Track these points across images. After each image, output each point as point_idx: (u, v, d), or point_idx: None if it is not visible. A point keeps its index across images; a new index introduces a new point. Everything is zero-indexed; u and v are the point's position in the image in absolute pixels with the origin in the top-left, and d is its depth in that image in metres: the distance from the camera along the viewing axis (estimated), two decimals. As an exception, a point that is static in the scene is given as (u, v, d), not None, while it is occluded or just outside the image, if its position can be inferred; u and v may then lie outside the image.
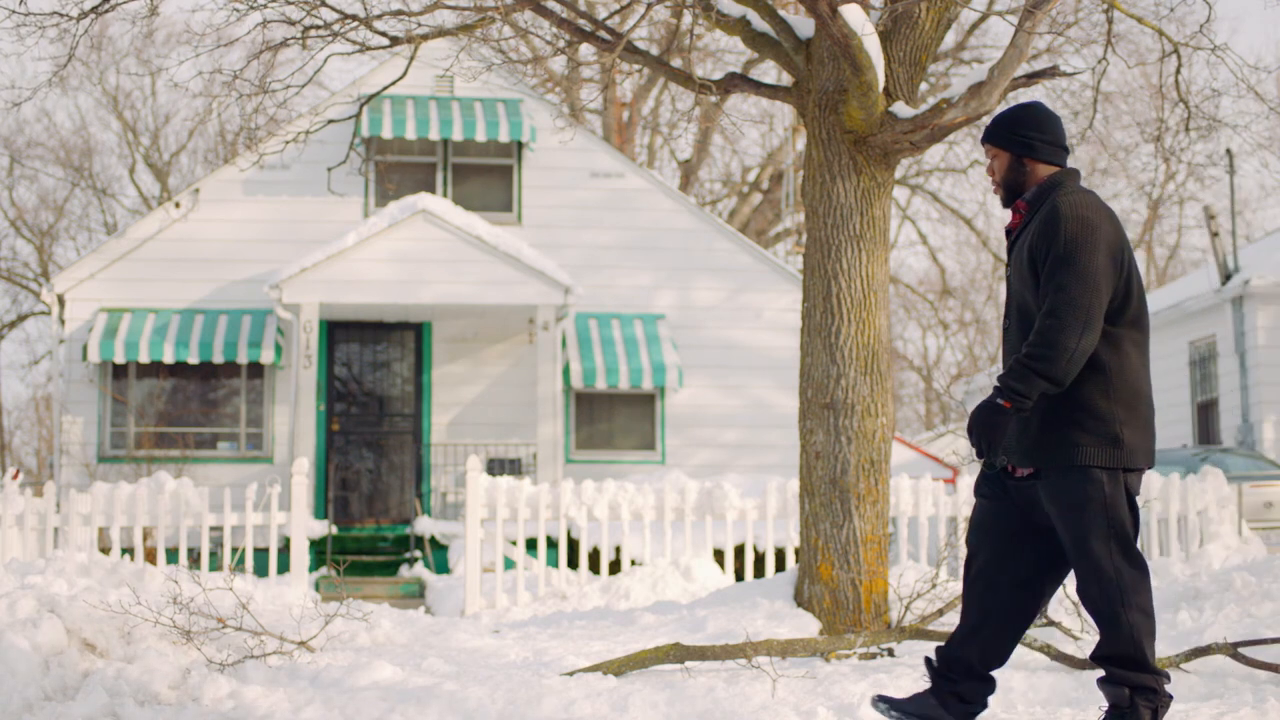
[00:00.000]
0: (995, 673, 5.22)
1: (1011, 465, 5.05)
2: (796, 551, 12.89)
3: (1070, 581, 9.74)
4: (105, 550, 14.65)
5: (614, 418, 20.21)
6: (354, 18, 10.05)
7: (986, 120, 7.53)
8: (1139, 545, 4.97)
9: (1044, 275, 4.86)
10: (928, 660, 5.18)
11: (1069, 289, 4.77)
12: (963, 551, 14.12)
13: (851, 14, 7.92)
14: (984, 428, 4.80)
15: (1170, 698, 4.88)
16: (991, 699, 6.31)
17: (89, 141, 39.59)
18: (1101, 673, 5.03)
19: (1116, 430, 4.84)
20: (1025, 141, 5.09)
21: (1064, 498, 4.88)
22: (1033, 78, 8.69)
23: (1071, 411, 4.85)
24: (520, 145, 20.29)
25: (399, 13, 10.38)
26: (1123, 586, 4.81)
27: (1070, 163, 6.54)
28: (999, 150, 5.14)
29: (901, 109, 8.36)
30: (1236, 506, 13.06)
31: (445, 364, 19.94)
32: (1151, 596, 4.88)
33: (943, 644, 5.19)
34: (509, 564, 14.26)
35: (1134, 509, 4.90)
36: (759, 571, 14.52)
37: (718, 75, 15.82)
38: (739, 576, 13.16)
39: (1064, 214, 4.88)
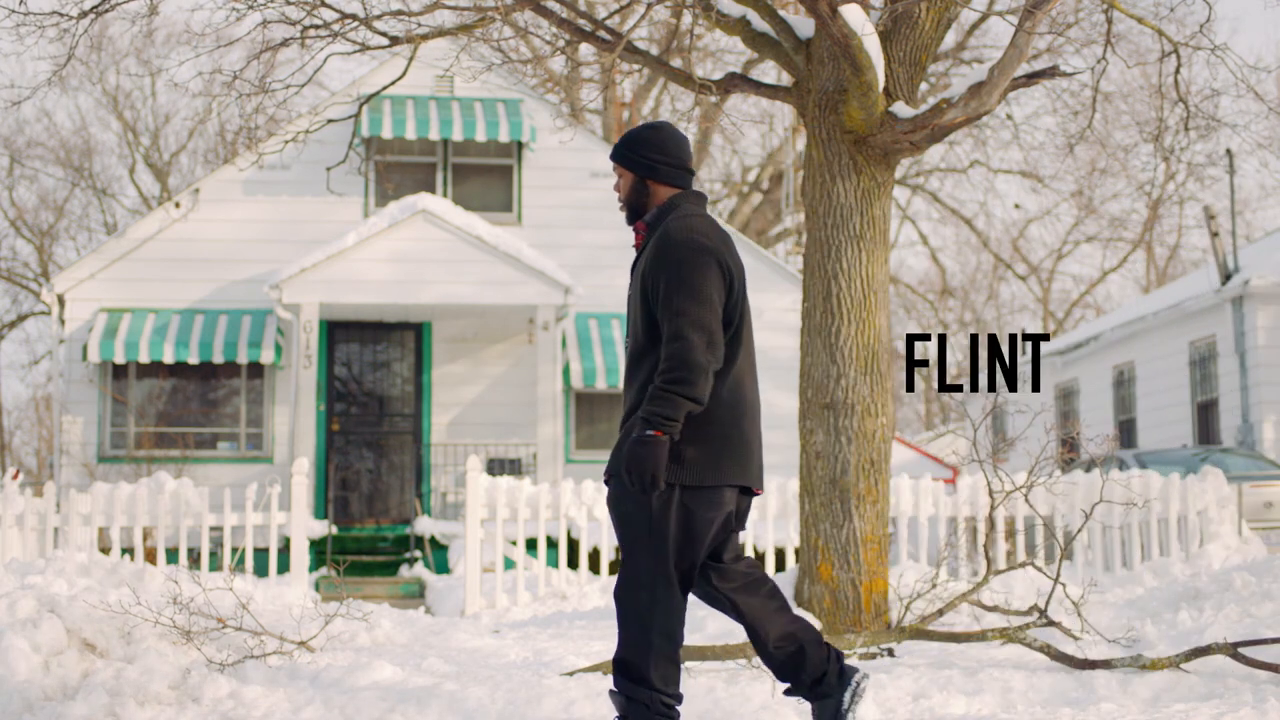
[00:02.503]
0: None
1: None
2: (796, 551, 12.90)
3: (1070, 581, 9.76)
4: (105, 550, 14.65)
5: (614, 418, 20.20)
6: (354, 18, 10.04)
7: (986, 119, 7.56)
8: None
9: (660, 300, 4.89)
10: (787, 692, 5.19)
11: (688, 311, 4.81)
12: (963, 551, 14.10)
13: (851, 14, 7.92)
14: (641, 462, 4.77)
15: (670, 717, 4.87)
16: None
17: (89, 141, 39.60)
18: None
19: (679, 447, 4.85)
20: (648, 163, 5.13)
21: (618, 505, 4.95)
22: (1033, 78, 8.69)
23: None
24: (520, 145, 20.29)
25: (399, 13, 10.38)
26: (653, 600, 4.85)
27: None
28: (624, 170, 5.19)
29: (901, 109, 8.36)
30: (1236, 506, 13.05)
31: (445, 364, 19.94)
32: (680, 621, 4.89)
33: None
34: (509, 564, 14.26)
35: (692, 526, 4.87)
36: (759, 571, 14.50)
37: (718, 75, 15.82)
38: (739, 576, 13.14)
39: (674, 238, 4.93)
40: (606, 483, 5.05)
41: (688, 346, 4.77)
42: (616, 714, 4.95)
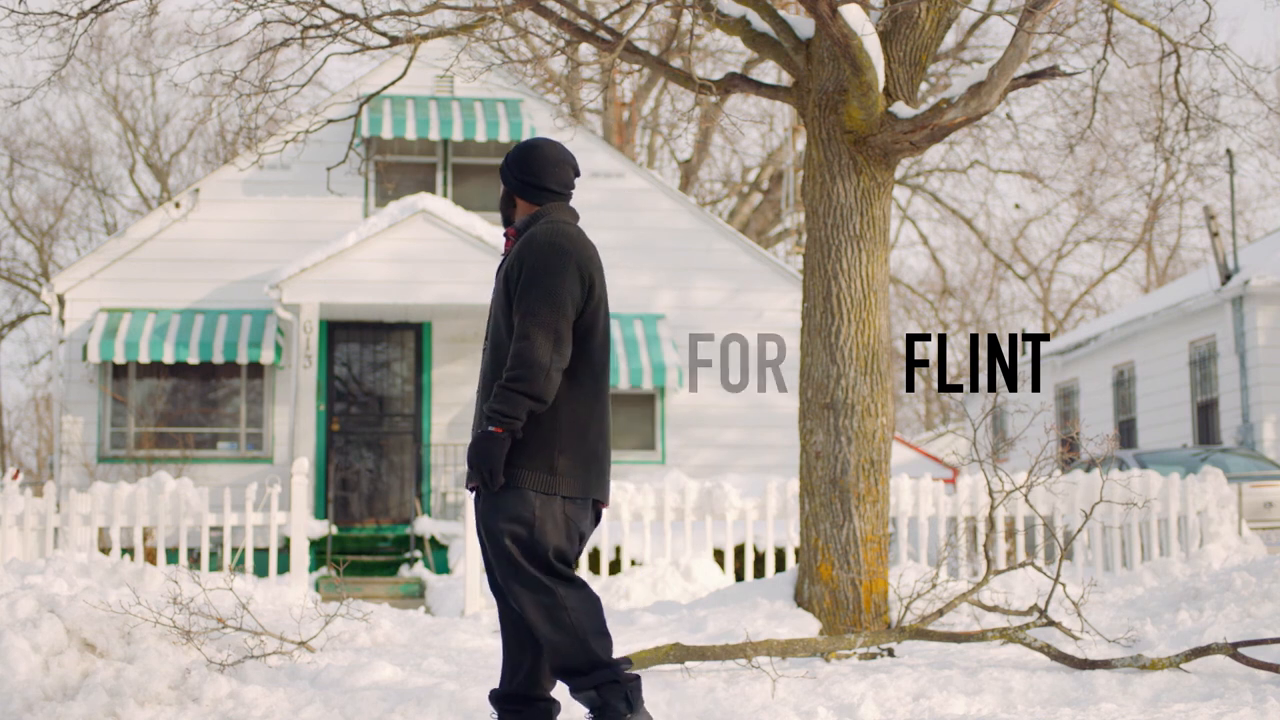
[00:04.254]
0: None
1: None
2: (796, 551, 12.90)
3: (1070, 581, 9.75)
4: (105, 550, 14.64)
5: (614, 417, 20.21)
6: (354, 18, 10.04)
7: (986, 119, 7.57)
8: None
9: (516, 298, 5.02)
10: (490, 697, 5.25)
11: (537, 311, 4.95)
12: (963, 551, 14.09)
13: (851, 14, 7.92)
14: (483, 458, 4.92)
15: (634, 678, 4.97)
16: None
17: (89, 141, 39.61)
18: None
19: (553, 458, 4.96)
20: (514, 179, 5.32)
21: (494, 516, 4.97)
22: (1033, 78, 8.69)
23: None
24: (520, 145, 20.29)
25: (399, 13, 10.38)
26: (554, 602, 4.93)
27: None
28: (503, 181, 5.38)
29: (901, 109, 8.36)
30: (1236, 506, 13.05)
31: (445, 364, 19.94)
32: (592, 605, 4.99)
33: (493, 688, 5.31)
34: (509, 564, 14.23)
35: (570, 534, 4.99)
36: (759, 571, 14.51)
37: (718, 75, 15.82)
38: (739, 576, 13.15)
39: (537, 239, 5.09)
40: (475, 492, 5.07)
41: (532, 346, 4.90)
42: (590, 712, 4.98)
